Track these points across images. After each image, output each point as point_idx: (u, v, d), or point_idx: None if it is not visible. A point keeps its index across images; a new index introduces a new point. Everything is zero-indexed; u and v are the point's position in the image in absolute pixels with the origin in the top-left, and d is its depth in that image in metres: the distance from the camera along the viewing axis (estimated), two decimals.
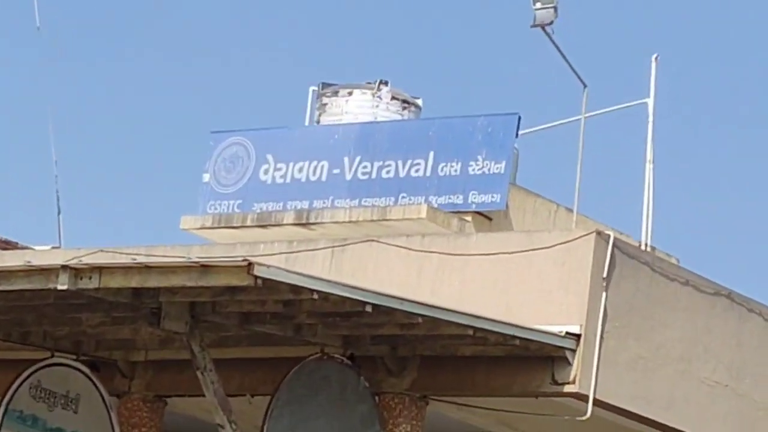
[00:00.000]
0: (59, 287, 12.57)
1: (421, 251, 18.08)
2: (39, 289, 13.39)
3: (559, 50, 22.54)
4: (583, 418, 16.09)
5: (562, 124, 24.11)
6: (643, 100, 23.66)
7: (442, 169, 22.34)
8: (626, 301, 17.01)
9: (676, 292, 18.07)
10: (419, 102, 25.21)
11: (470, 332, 14.92)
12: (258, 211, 23.39)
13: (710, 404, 18.16)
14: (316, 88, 25.36)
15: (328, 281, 13.97)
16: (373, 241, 18.72)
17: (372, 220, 22.22)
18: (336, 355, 17.07)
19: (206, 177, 24.14)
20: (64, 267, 12.62)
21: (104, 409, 17.34)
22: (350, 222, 22.30)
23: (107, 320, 15.99)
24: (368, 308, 13.83)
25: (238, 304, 14.85)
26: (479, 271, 17.45)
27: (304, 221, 22.90)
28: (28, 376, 16.70)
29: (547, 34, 21.75)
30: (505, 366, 16.64)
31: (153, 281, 12.90)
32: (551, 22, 21.18)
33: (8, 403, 16.30)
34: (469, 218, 21.89)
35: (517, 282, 17.10)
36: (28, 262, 14.45)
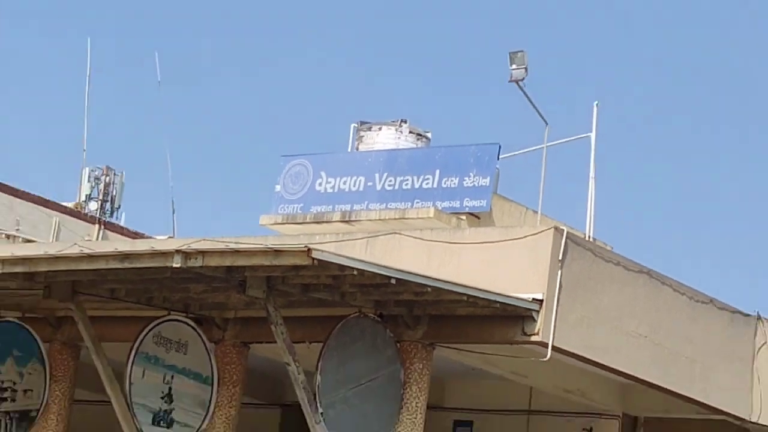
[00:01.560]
0: (174, 266, 12.94)
1: (430, 241, 18.02)
2: (160, 266, 13.70)
3: (529, 99, 22.89)
4: (544, 359, 16.21)
5: (530, 151, 24.23)
6: (588, 135, 23.75)
7: (444, 183, 22.67)
8: (575, 276, 17.00)
9: (610, 270, 18.08)
10: (429, 135, 25.64)
11: (464, 298, 15.07)
12: (314, 212, 23.76)
13: (635, 350, 18.04)
14: (356, 125, 25.81)
15: (364, 262, 14.21)
16: (395, 233, 18.61)
17: (395, 219, 22.29)
18: (369, 314, 17.17)
19: (278, 188, 24.61)
20: (178, 251, 13.09)
21: (205, 352, 17.57)
22: (379, 220, 22.53)
23: (208, 289, 16.21)
24: (393, 281, 14.11)
25: (300, 278, 15.06)
26: (471, 255, 17.38)
27: (347, 219, 23.18)
28: (152, 328, 17.06)
29: (520, 87, 22.32)
30: (489, 322, 16.55)
31: (240, 261, 13.38)
32: (523, 78, 21.94)
33: (138, 347, 16.63)
34: (464, 217, 22.19)
35: (498, 263, 17.01)
36: (152, 247, 15.44)
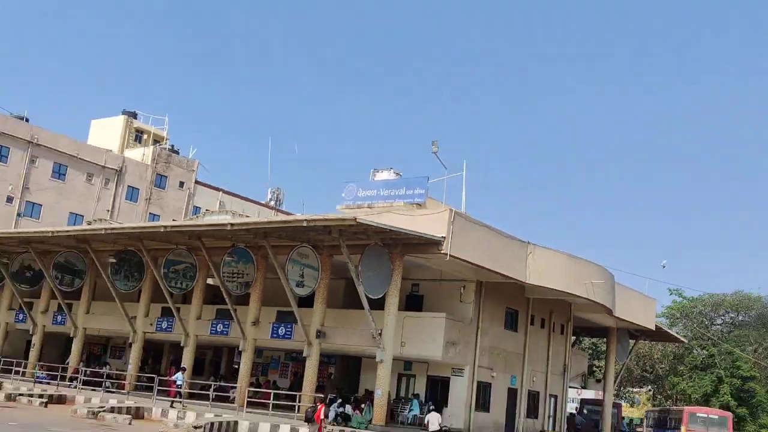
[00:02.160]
0: (304, 224, 24.37)
1: (403, 215, 27.81)
2: (307, 226, 24.41)
3: (439, 158, 31.17)
4: (447, 259, 26.39)
5: (441, 179, 31.47)
6: (460, 173, 32.58)
7: (407, 191, 30.27)
8: (458, 226, 26.43)
9: (471, 225, 28.19)
10: (401, 173, 33.12)
11: (415, 235, 25.54)
12: (357, 204, 31.44)
13: (473, 253, 28.00)
14: (373, 169, 33.46)
15: (378, 224, 24.60)
16: (389, 212, 28.40)
17: (390, 206, 30.08)
18: (378, 243, 26.50)
19: (343, 195, 31.98)
20: (311, 219, 24.15)
21: (317, 258, 26.96)
22: (383, 207, 30.20)
23: (317, 234, 26.23)
24: (391, 234, 24.80)
25: (354, 229, 24.87)
26: (419, 220, 26.91)
27: (370, 206, 31.03)
28: (297, 249, 27.21)
29: (436, 154, 31.24)
30: (428, 245, 26.20)
31: (334, 223, 24.38)
32: (437, 149, 30.85)
33: (290, 256, 26.99)
34: (415, 206, 29.77)
35: (430, 222, 26.47)
36: (303, 221, 25.39)
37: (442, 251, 26.48)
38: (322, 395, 26.85)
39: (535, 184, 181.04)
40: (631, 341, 46.20)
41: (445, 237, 26.35)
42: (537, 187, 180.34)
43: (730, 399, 57.93)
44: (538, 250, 30.68)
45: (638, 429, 52.78)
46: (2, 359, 37.33)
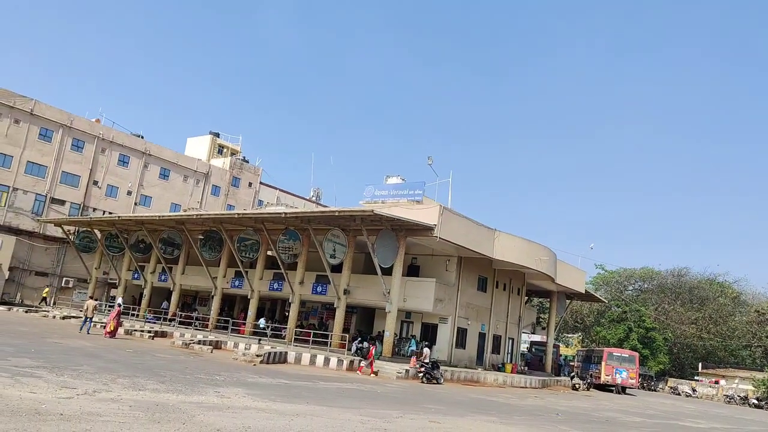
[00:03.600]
0: (339, 214, 24.71)
1: (406, 208, 27.59)
2: (343, 216, 24.97)
3: (433, 170, 32.23)
4: (437, 241, 26.39)
5: (434, 183, 32.95)
6: (448, 179, 33.54)
7: (409, 192, 29.56)
8: (445, 218, 26.54)
9: (456, 217, 27.77)
10: (405, 178, 32.05)
11: (414, 224, 25.66)
12: (374, 200, 30.53)
13: (462, 237, 27.60)
14: (387, 175, 32.50)
15: (389, 215, 24.58)
16: (396, 206, 28.25)
17: (396, 202, 29.57)
18: (389, 227, 26.39)
19: (364, 194, 31.30)
20: (344, 210, 24.49)
21: (345, 237, 27.21)
22: (392, 203, 29.60)
23: (344, 221, 26.45)
24: (398, 222, 25.34)
25: (372, 218, 25.05)
26: (418, 212, 26.84)
27: (383, 203, 30.36)
28: (332, 229, 27.05)
29: (430, 165, 30.68)
30: (425, 231, 26.20)
31: (357, 213, 25.81)
32: (431, 162, 30.24)
33: (327, 236, 26.87)
34: (415, 203, 28.98)
35: (425, 214, 26.51)
36: (336, 211, 25.72)
37: (433, 235, 26.41)
38: (374, 340, 26.80)
39: (502, 187, 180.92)
40: (567, 301, 46.41)
41: (435, 225, 26.30)
42: (504, 189, 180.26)
43: (637, 343, 58.15)
44: (502, 235, 30.65)
45: (571, 363, 52.66)
46: (123, 306, 37.50)
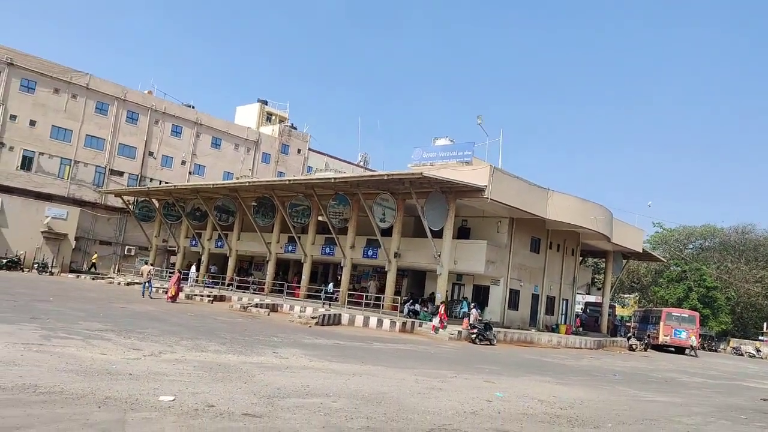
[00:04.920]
0: (389, 178, 24.57)
1: (455, 169, 27.19)
2: (393, 180, 24.87)
3: (484, 130, 31.19)
4: (488, 202, 26.06)
5: (484, 143, 32.00)
6: (498, 138, 33.56)
7: (458, 153, 29.40)
8: (496, 178, 26.08)
9: (507, 177, 27.35)
10: (454, 140, 31.71)
11: (466, 185, 25.42)
12: (422, 163, 30.20)
13: (514, 198, 27.18)
14: (434, 137, 32.70)
15: (437, 176, 24.38)
16: (445, 168, 27.85)
17: (445, 164, 29.38)
18: (439, 190, 26.13)
19: (412, 156, 31.17)
20: (393, 174, 24.31)
21: (394, 200, 27.16)
22: (440, 165, 29.57)
23: (393, 185, 26.03)
24: (447, 184, 25.09)
25: (421, 180, 24.92)
26: (468, 173, 26.42)
27: (432, 165, 29.94)
28: (381, 194, 27.05)
29: (480, 125, 30.56)
30: (473, 192, 25.80)
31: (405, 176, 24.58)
32: (481, 121, 30.10)
33: (376, 201, 27.03)
34: (464, 164, 28.88)
35: (476, 175, 26.06)
36: (384, 175, 25.32)
37: (484, 196, 26.04)
38: (444, 300, 26.93)
39: (556, 146, 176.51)
40: (624, 260, 45.38)
41: (486, 186, 25.91)
42: (558, 149, 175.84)
43: (697, 303, 56.61)
44: (555, 195, 29.97)
45: (628, 324, 51.68)
46: (182, 272, 38.69)
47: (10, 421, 5.65)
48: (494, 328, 25.68)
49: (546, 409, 9.99)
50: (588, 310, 49.04)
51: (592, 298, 55.01)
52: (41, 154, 44.98)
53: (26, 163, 44.37)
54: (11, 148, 43.67)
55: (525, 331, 29.33)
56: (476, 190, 26.10)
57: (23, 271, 38.29)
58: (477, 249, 28.42)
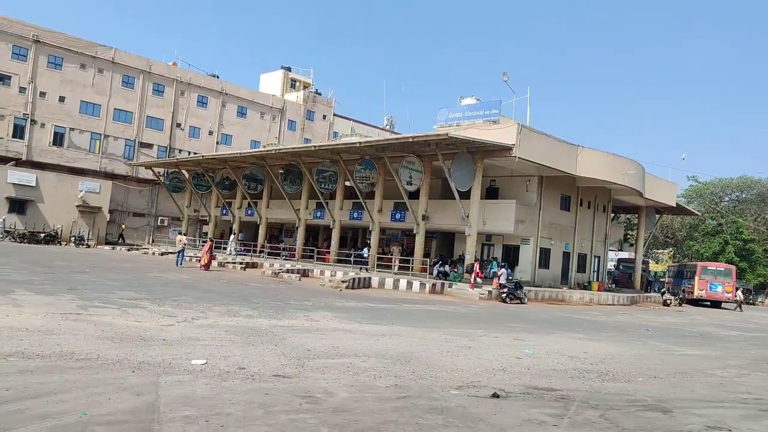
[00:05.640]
0: (414, 140, 24.39)
1: (482, 129, 27.10)
2: (420, 141, 24.41)
3: (510, 86, 31.51)
4: (516, 160, 25.72)
5: (511, 101, 32.16)
6: (525, 95, 35.06)
7: (485, 112, 29.37)
8: (523, 136, 25.71)
9: (537, 135, 26.85)
10: (480, 98, 31.76)
11: (492, 144, 25.28)
12: (448, 124, 30.50)
13: (538, 155, 26.81)
14: (460, 97, 32.76)
15: (463, 136, 24.30)
16: (472, 128, 27.90)
17: (472, 123, 29.35)
18: (464, 151, 25.85)
19: (438, 117, 31.18)
20: (417, 136, 24.03)
21: (421, 163, 26.95)
22: (466, 125, 29.50)
23: (419, 147, 25.75)
24: (474, 144, 24.88)
25: (447, 141, 24.58)
26: (495, 133, 26.22)
27: (458, 125, 30.16)
28: (407, 156, 26.92)
29: (506, 82, 30.22)
30: (503, 150, 25.56)
31: (431, 138, 24.41)
32: (507, 78, 29.86)
33: (402, 163, 26.91)
34: (492, 123, 28.98)
35: (503, 134, 25.81)
36: (410, 138, 25.11)
37: (512, 155, 25.68)
38: (478, 259, 27.09)
39: (585, 101, 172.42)
40: (657, 215, 44.36)
41: (514, 144, 25.55)
42: (587, 104, 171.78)
43: (734, 256, 55.51)
44: (585, 151, 29.42)
45: (662, 279, 51.00)
46: (215, 240, 39.31)
47: (49, 386, 5.85)
48: (525, 287, 25.64)
49: (576, 365, 9.96)
50: (621, 267, 48.62)
51: (624, 255, 54.48)
52: (72, 129, 45.77)
53: (58, 139, 45.26)
54: (42, 125, 44.52)
55: (556, 290, 29.22)
56: (504, 149, 25.79)
57: (60, 244, 39.36)
58: (506, 208, 28.21)
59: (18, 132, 43.63)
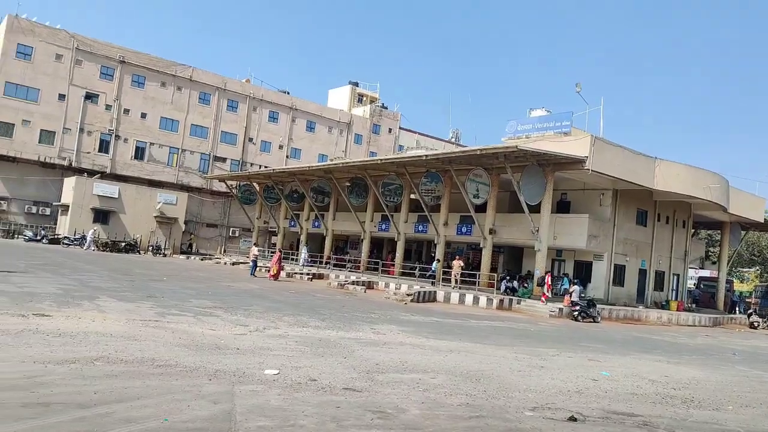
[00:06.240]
0: (487, 153, 23.99)
1: (553, 141, 26.65)
2: (489, 154, 24.09)
3: (582, 98, 30.32)
4: (589, 173, 24.99)
5: (583, 112, 31.61)
6: (598, 107, 32.55)
7: (556, 124, 28.96)
8: (598, 148, 25.03)
9: (611, 147, 26.06)
10: (551, 110, 31.38)
11: (564, 157, 24.62)
12: (516, 136, 30.40)
13: (611, 166, 25.89)
14: (529, 109, 32.44)
15: (533, 148, 23.88)
16: (540, 140, 27.73)
17: (542, 136, 28.95)
18: (534, 163, 25.24)
19: (506, 129, 31.11)
20: (484, 148, 23.64)
21: (488, 176, 26.45)
22: (535, 137, 29.22)
23: (487, 159, 25.32)
24: (545, 156, 24.74)
25: (516, 153, 23.98)
26: (567, 145, 25.64)
27: (527, 138, 29.95)
28: (474, 170, 26.46)
29: (579, 93, 29.39)
30: (575, 163, 24.83)
31: (499, 150, 23.80)
32: (580, 89, 28.89)
33: (469, 176, 26.58)
34: (563, 135, 28.69)
35: (575, 146, 25.18)
36: (477, 150, 25.21)
37: (585, 167, 24.93)
38: (549, 272, 26.60)
39: (663, 112, 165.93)
40: (742, 232, 42.20)
41: (587, 157, 24.82)
42: (665, 115, 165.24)
43: None
44: (663, 163, 28.22)
45: (748, 299, 47.96)
46: (282, 251, 40.31)
47: (132, 391, 6.09)
48: (598, 305, 24.75)
49: (657, 389, 9.47)
50: (702, 286, 46.06)
51: (706, 273, 51.71)
52: (152, 144, 48.15)
53: (139, 153, 47.71)
54: (126, 140, 47.09)
55: (632, 308, 28.05)
56: (576, 162, 25.07)
57: (139, 253, 41.23)
58: (578, 223, 27.43)
59: (104, 146, 46.27)
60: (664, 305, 32.11)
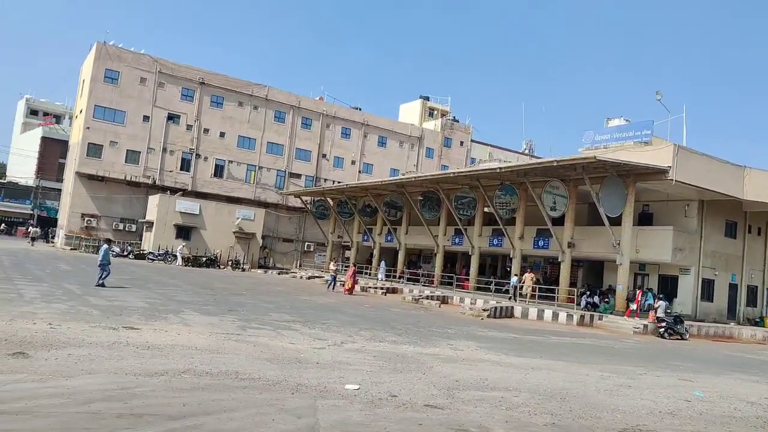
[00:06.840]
0: (558, 164, 23.83)
1: (633, 150, 25.83)
2: (563, 166, 23.70)
3: (664, 105, 28.86)
4: (673, 183, 23.94)
5: (664, 121, 30.02)
6: (681, 114, 31.62)
7: (635, 133, 27.86)
8: (681, 157, 23.94)
9: (696, 156, 25.28)
10: (630, 120, 30.24)
11: (647, 168, 23.92)
12: (594, 147, 29.38)
13: (701, 178, 25.08)
14: (606, 118, 31.25)
15: (610, 158, 23.26)
16: (619, 150, 26.94)
17: (621, 146, 27.95)
18: (614, 174, 24.34)
19: (583, 140, 30.17)
20: (562, 160, 23.28)
21: (565, 188, 25.73)
22: (616, 147, 28.36)
23: (564, 171, 24.93)
24: (625, 167, 23.68)
25: (594, 164, 23.41)
26: (648, 155, 24.85)
27: (605, 147, 28.93)
28: (550, 181, 25.75)
29: (659, 100, 28.53)
30: (659, 173, 23.98)
31: (575, 161, 23.37)
32: (660, 97, 28.10)
33: (545, 189, 25.82)
34: (643, 144, 27.57)
35: (657, 156, 24.32)
36: (554, 161, 24.84)
37: (668, 178, 23.93)
38: (639, 290, 25.91)
39: (751, 120, 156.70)
40: None
41: (670, 166, 23.81)
42: (754, 123, 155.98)
43: None
44: (753, 172, 26.77)
45: None
46: (356, 266, 40.67)
47: (220, 404, 6.27)
48: (685, 322, 23.48)
49: (758, 412, 8.84)
50: None
51: None
52: (230, 162, 50.02)
53: (218, 170, 49.68)
54: (206, 159, 49.17)
55: (722, 325, 26.44)
56: (659, 172, 24.10)
57: (219, 268, 42.70)
58: (662, 236, 26.23)
59: (185, 165, 48.48)
60: (758, 322, 30.09)
